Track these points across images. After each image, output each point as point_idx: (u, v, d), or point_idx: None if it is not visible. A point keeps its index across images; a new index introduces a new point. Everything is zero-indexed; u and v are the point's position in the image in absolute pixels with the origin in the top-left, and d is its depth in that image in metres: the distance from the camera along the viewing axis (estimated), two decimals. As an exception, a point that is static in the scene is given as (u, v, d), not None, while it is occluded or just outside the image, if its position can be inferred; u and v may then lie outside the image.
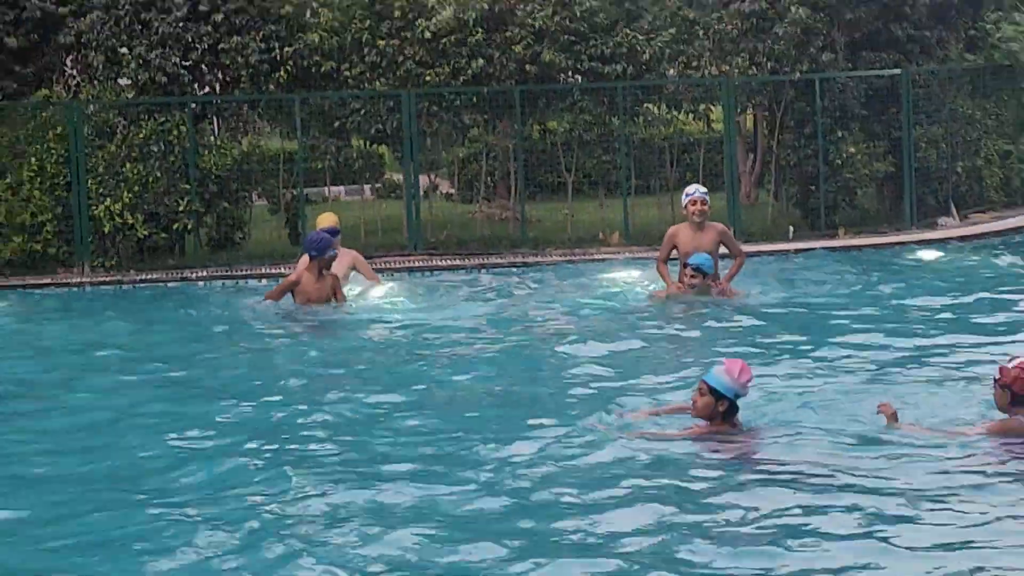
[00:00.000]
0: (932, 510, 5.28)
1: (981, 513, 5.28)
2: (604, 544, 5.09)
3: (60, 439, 7.33)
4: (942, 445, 6.38)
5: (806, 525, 5.08)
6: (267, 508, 5.68)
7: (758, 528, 5.14)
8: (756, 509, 5.32)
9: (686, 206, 11.11)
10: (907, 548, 4.81)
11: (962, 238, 15.03)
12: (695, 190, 11.25)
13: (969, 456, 6.16)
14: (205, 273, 14.00)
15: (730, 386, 6.35)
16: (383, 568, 4.72)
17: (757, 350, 9.04)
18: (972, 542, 4.89)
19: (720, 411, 6.35)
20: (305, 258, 11.17)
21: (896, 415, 6.46)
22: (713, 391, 6.34)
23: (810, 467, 6.04)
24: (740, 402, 6.52)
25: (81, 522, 5.49)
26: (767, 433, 6.73)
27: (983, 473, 5.85)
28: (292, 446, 6.90)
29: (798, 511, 5.27)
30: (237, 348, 10.54)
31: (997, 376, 6.23)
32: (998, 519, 5.19)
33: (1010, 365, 6.18)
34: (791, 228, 15.72)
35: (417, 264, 14.46)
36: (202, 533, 5.27)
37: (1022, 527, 5.12)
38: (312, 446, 6.81)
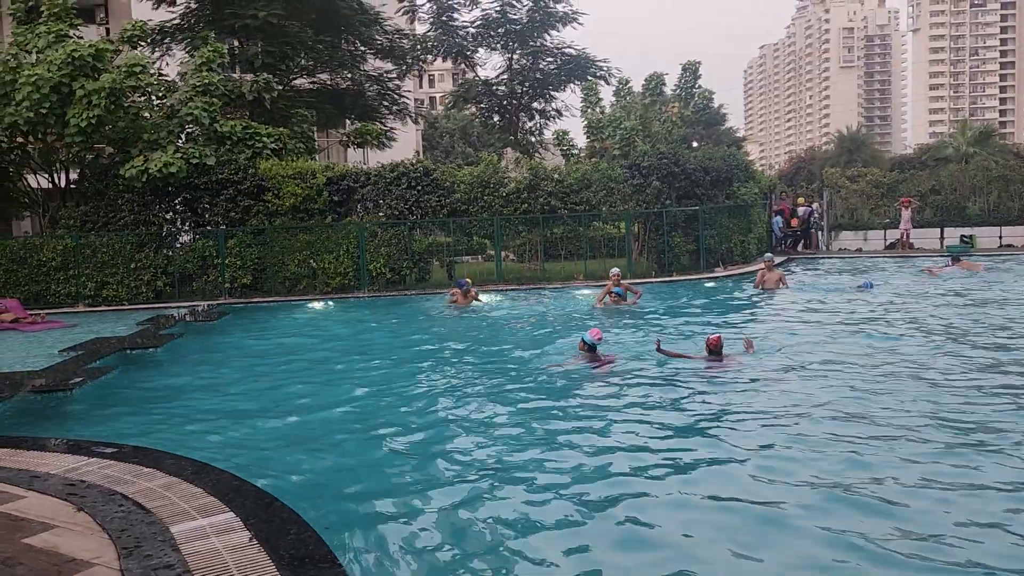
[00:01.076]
0: (681, 382, 9.53)
1: (689, 375, 9.83)
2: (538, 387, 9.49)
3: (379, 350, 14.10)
4: (686, 361, 10.75)
5: (616, 392, 9.48)
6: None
7: (597, 384, 9.66)
8: (598, 381, 9.89)
9: (611, 276, 17.86)
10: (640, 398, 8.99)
11: (726, 276, 23.33)
12: (614, 269, 17.98)
13: (690, 368, 10.52)
14: (413, 292, 22.75)
15: (592, 342, 10.59)
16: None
17: (632, 322, 14.78)
18: (684, 397, 8.97)
19: (590, 352, 10.53)
20: (456, 288, 19.49)
21: (660, 347, 10.44)
22: (585, 343, 10.56)
23: (631, 371, 10.19)
24: (608, 346, 10.64)
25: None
26: (611, 360, 10.61)
27: (698, 375, 10.21)
28: (449, 354, 12.95)
29: (614, 385, 9.58)
30: (429, 318, 17.77)
31: (706, 340, 10.52)
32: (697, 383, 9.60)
33: (711, 336, 10.42)
34: (653, 272, 23.86)
35: (500, 288, 22.66)
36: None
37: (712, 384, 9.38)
38: (455, 355, 12.67)
